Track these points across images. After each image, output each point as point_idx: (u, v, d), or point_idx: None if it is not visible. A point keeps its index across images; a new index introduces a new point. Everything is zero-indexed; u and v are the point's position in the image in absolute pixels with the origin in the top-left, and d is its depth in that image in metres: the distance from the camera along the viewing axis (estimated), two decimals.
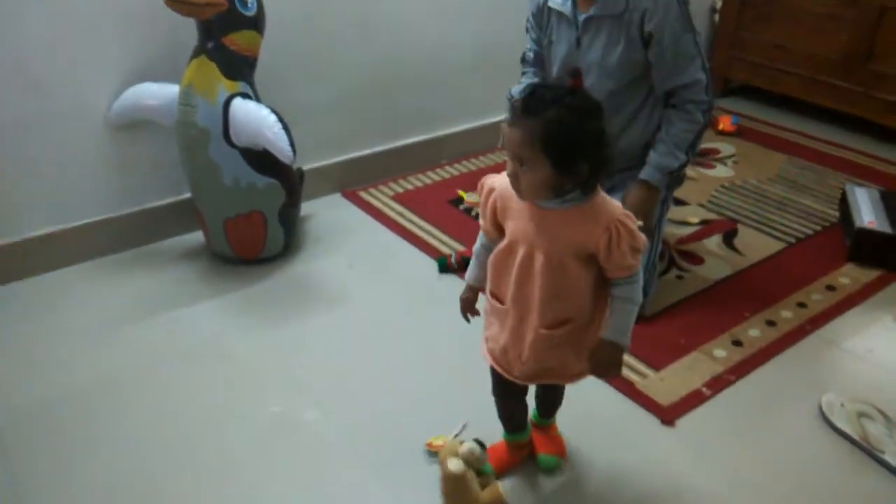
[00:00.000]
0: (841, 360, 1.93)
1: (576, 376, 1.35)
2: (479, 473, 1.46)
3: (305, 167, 2.50)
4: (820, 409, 1.73)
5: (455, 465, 1.38)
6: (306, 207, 2.50)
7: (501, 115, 3.02)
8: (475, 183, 2.71)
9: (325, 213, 2.58)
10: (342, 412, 1.73)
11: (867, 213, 2.35)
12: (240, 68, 2.03)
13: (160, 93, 2.10)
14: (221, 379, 1.83)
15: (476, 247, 1.38)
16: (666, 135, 1.89)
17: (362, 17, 2.53)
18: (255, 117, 1.97)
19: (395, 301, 2.14)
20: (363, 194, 2.70)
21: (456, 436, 1.60)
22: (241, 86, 2.02)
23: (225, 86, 1.99)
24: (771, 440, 1.66)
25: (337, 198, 2.69)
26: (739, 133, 3.24)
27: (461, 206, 2.63)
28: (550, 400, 1.54)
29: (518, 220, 1.21)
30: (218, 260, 2.28)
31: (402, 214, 2.57)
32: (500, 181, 1.23)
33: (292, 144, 1.94)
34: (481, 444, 1.46)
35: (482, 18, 2.82)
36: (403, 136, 2.84)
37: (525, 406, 1.51)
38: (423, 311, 2.10)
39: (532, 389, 1.51)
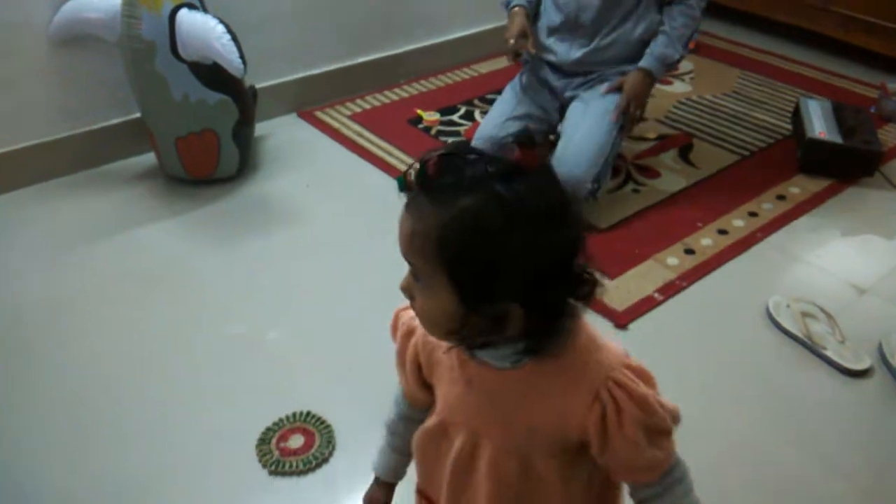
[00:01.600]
0: (788, 265, 1.99)
1: None
2: None
3: (258, 85, 2.44)
4: (767, 310, 1.79)
5: None
6: (261, 128, 2.45)
7: (464, 31, 3.03)
8: (435, 102, 2.73)
9: (280, 133, 2.53)
10: (302, 328, 1.74)
11: (819, 124, 2.39)
12: None
13: (102, 5, 2.01)
14: (181, 297, 1.82)
15: (388, 417, 0.93)
16: (669, 27, 1.99)
17: None
18: (202, 29, 1.90)
19: (354, 219, 2.14)
20: (319, 114, 2.65)
21: None
22: None
23: None
24: (719, 340, 1.72)
25: (292, 118, 2.64)
26: (697, 50, 3.24)
27: (420, 126, 2.60)
28: None
29: (452, 385, 0.76)
30: (172, 181, 2.23)
31: (360, 134, 2.54)
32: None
33: (242, 57, 1.89)
34: None
35: None
36: (360, 53, 2.77)
37: None
38: (382, 228, 2.09)
39: None
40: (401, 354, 0.84)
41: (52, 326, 1.72)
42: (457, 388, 0.75)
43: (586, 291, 0.68)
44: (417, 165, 0.66)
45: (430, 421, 0.79)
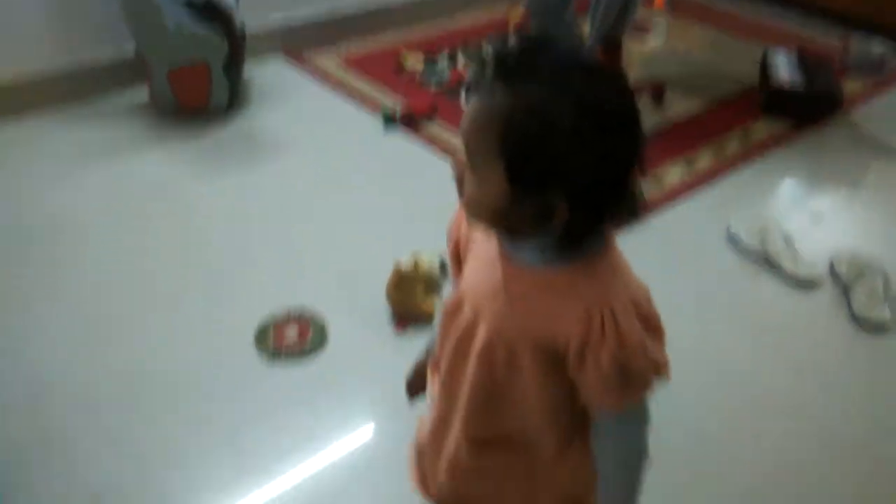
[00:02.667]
0: (750, 196, 2.13)
1: None
2: (430, 290, 1.60)
3: (247, 26, 2.51)
4: (728, 231, 1.92)
5: (406, 264, 1.53)
6: (250, 69, 2.51)
7: None
8: (419, 48, 2.82)
9: (268, 73, 2.61)
10: (290, 239, 1.84)
11: (784, 71, 2.52)
12: None
13: None
14: (177, 214, 1.91)
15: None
16: None
17: None
18: None
19: (339, 149, 2.23)
20: (307, 57, 2.73)
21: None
22: None
23: None
24: (684, 262, 1.85)
25: (280, 60, 2.71)
26: (671, 7, 3.35)
27: (405, 70, 2.69)
28: None
29: (475, 267, 0.78)
30: (164, 114, 2.30)
31: (347, 76, 2.62)
32: None
33: None
34: (444, 269, 1.60)
35: None
36: (346, 0, 2.85)
37: None
38: (365, 157, 2.20)
39: None
40: (449, 238, 0.84)
41: (59, 238, 1.80)
42: (478, 271, 0.76)
43: (634, 207, 0.68)
44: (493, 53, 0.66)
45: (451, 296, 0.79)
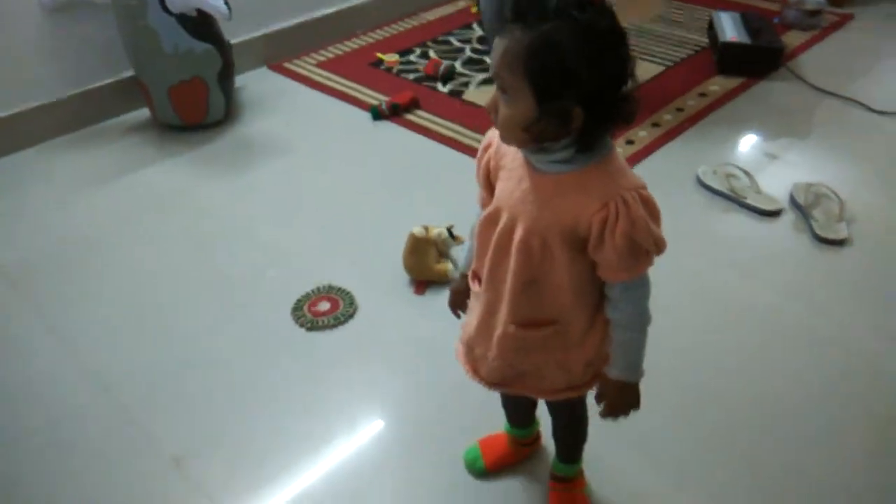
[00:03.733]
0: (712, 144, 2.34)
1: (560, 392, 1.06)
2: (441, 255, 1.79)
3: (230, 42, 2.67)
4: (697, 177, 2.14)
5: (419, 230, 1.72)
6: (237, 81, 2.68)
7: None
8: (391, 47, 3.01)
9: (255, 84, 2.77)
10: (306, 229, 2.02)
11: (730, 30, 2.75)
12: None
13: None
14: (195, 220, 2.07)
15: (472, 224, 1.07)
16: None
17: None
18: None
19: (334, 146, 2.41)
20: (288, 65, 2.90)
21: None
22: None
23: None
24: (660, 203, 2.05)
25: (264, 71, 2.88)
26: None
27: (382, 67, 2.88)
28: (560, 427, 1.24)
29: (507, 182, 0.95)
30: (166, 129, 2.46)
31: (328, 78, 2.80)
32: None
33: (227, 3, 2.13)
34: (452, 235, 1.78)
35: None
36: (320, 7, 3.02)
37: (529, 400, 1.25)
38: (360, 149, 2.38)
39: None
40: (478, 164, 1.01)
41: (84, 257, 1.96)
42: (511, 184, 0.93)
43: (632, 109, 0.85)
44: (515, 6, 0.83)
45: (489, 209, 0.96)
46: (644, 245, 0.87)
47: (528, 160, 0.91)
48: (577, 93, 0.81)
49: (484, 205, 1.01)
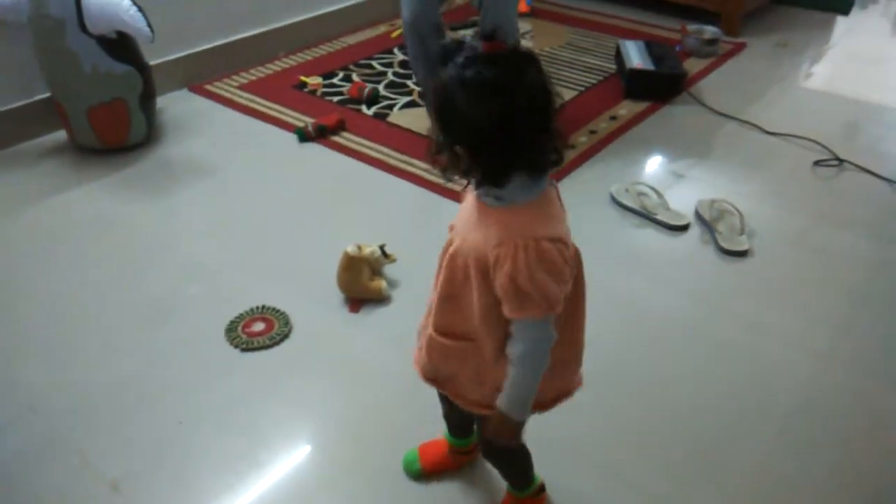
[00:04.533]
0: (623, 164, 2.49)
1: (475, 405, 1.12)
2: (375, 273, 1.84)
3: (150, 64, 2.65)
4: (610, 195, 2.28)
5: (352, 249, 1.76)
6: (158, 103, 2.65)
7: (332, 6, 3.34)
8: (314, 70, 3.04)
9: (177, 106, 2.75)
10: (236, 249, 2.03)
11: (636, 58, 2.94)
12: None
13: None
14: (121, 244, 2.04)
15: None
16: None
17: None
18: (109, 4, 2.12)
19: (259, 167, 2.42)
20: (209, 87, 2.89)
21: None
22: None
23: None
24: (576, 224, 2.14)
25: (185, 93, 2.86)
26: (533, 13, 3.75)
27: (305, 89, 2.91)
28: (490, 456, 1.30)
29: (464, 203, 1.05)
30: (84, 153, 2.41)
31: (251, 100, 2.81)
32: None
33: (149, 25, 2.12)
34: (384, 253, 1.83)
35: None
36: (240, 30, 3.03)
37: (468, 412, 1.20)
38: (286, 169, 2.41)
39: None
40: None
41: (5, 279, 1.90)
42: (464, 205, 1.04)
43: (547, 159, 0.93)
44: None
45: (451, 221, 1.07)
46: (525, 290, 0.93)
47: (476, 190, 1.00)
48: (459, 134, 0.91)
49: None
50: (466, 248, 0.98)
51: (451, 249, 1.01)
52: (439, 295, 1.04)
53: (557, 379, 1.10)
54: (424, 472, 1.41)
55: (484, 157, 0.91)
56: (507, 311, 0.97)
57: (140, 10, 2.12)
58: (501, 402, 1.05)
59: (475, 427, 1.30)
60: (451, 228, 1.05)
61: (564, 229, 0.98)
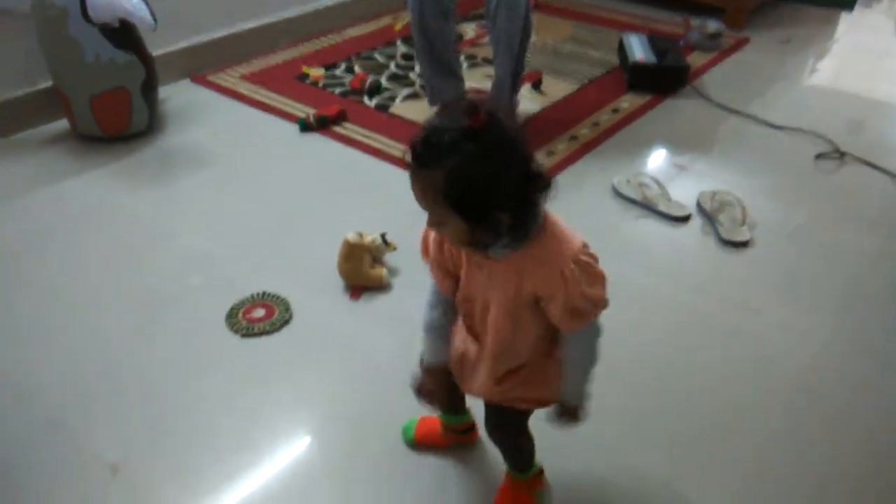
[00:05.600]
0: (625, 155, 2.49)
1: (535, 402, 1.18)
2: (376, 261, 1.84)
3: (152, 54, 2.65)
4: (612, 186, 2.27)
5: (353, 236, 1.76)
6: (160, 93, 2.65)
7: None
8: (316, 61, 3.04)
9: (179, 96, 2.75)
10: (237, 237, 2.03)
11: (639, 51, 2.93)
12: None
13: None
14: (122, 231, 2.04)
15: (426, 322, 1.15)
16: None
17: None
18: None
19: (265, 157, 2.42)
20: (212, 77, 2.89)
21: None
22: None
23: None
24: (580, 216, 2.13)
25: (187, 83, 2.86)
26: (538, 7, 3.74)
27: (307, 81, 2.91)
28: (499, 444, 1.31)
29: (469, 270, 1.06)
30: (86, 140, 2.41)
31: (254, 91, 2.81)
32: None
33: (152, 14, 2.12)
34: (385, 241, 1.83)
35: None
36: (242, 21, 3.03)
37: (454, 393, 1.29)
38: (291, 163, 2.41)
39: None
40: (435, 258, 1.10)
41: (6, 266, 1.90)
42: (472, 271, 1.05)
43: (544, 186, 0.94)
44: (408, 150, 0.92)
45: (459, 297, 1.10)
46: (580, 308, 0.99)
47: (481, 252, 1.01)
48: (498, 204, 0.91)
49: (445, 289, 1.12)
50: (510, 302, 1.02)
51: (494, 312, 1.04)
52: (495, 351, 1.08)
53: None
54: (416, 441, 1.44)
55: (522, 209, 0.94)
56: (565, 328, 1.03)
57: None
58: (568, 396, 1.13)
59: (484, 414, 1.28)
60: (467, 300, 1.08)
61: (571, 231, 1.02)
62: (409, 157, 0.92)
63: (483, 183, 0.89)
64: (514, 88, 2.49)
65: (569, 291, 0.97)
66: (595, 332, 1.07)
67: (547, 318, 1.03)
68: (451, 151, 0.89)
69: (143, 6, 2.11)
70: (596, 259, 1.01)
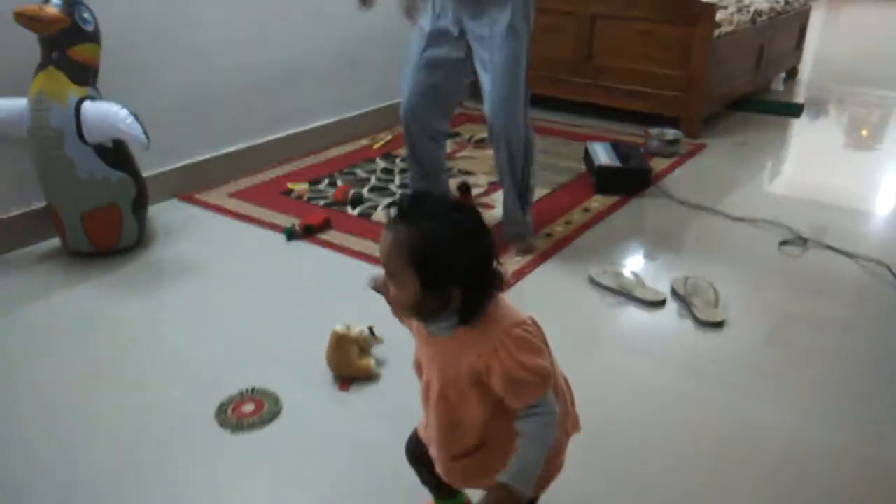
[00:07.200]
0: (597, 250, 2.60)
1: None
2: (363, 352, 1.88)
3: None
4: (589, 277, 2.36)
5: (341, 327, 1.81)
6: (149, 211, 2.75)
7: (320, 121, 3.55)
8: (300, 178, 3.19)
9: (167, 213, 2.85)
10: (225, 341, 2.06)
11: (603, 156, 3.13)
12: (85, 76, 2.31)
13: (7, 105, 2.31)
14: (109, 347, 2.05)
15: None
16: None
17: (178, 37, 2.89)
18: (107, 114, 2.26)
19: (252, 265, 2.49)
20: (199, 196, 3.01)
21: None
22: (88, 90, 2.31)
23: (74, 91, 2.27)
24: (559, 306, 2.24)
25: (174, 202, 2.97)
26: None
27: (292, 195, 3.04)
28: None
29: (419, 341, 1.12)
30: (77, 256, 2.48)
31: (240, 206, 2.92)
32: None
33: (146, 132, 2.26)
34: (372, 333, 1.88)
35: (290, 39, 3.29)
36: (230, 144, 3.19)
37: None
38: (278, 269, 2.48)
39: None
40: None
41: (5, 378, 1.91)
42: (421, 343, 1.12)
43: (500, 281, 1.04)
44: (395, 204, 1.02)
45: (415, 357, 1.15)
46: (521, 379, 1.01)
47: (426, 327, 1.08)
48: (455, 280, 0.99)
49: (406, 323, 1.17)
50: (451, 378, 1.06)
51: (434, 388, 1.08)
52: (441, 428, 1.11)
53: (559, 455, 1.17)
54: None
55: (475, 291, 1.00)
56: (512, 403, 1.04)
57: (136, 118, 2.26)
58: (508, 476, 1.04)
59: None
60: (420, 368, 1.13)
61: (517, 311, 1.07)
62: (392, 212, 1.01)
63: (449, 253, 0.97)
64: (524, 208, 2.52)
65: (503, 361, 1.00)
66: (547, 410, 1.05)
67: (493, 400, 1.05)
68: (433, 215, 0.99)
69: (137, 125, 2.24)
70: (538, 333, 1.06)
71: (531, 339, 1.03)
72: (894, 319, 2.18)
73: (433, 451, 1.20)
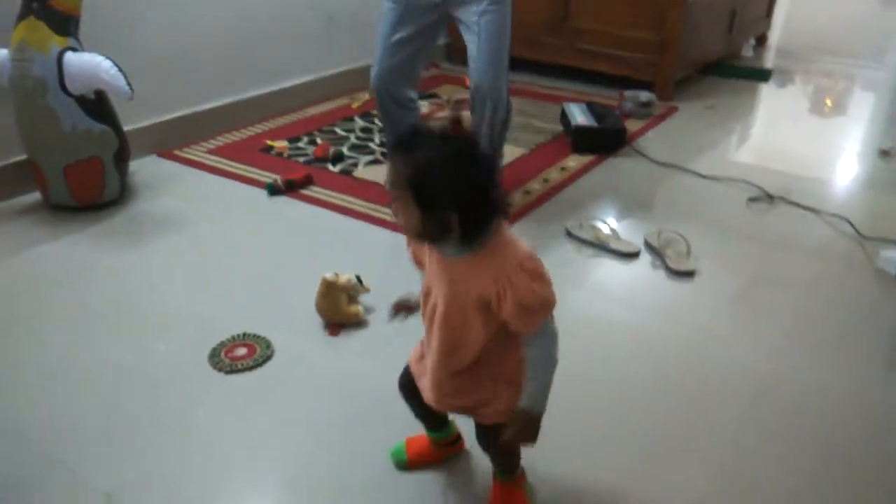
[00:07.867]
0: (574, 206, 2.67)
1: (501, 414, 1.22)
2: (351, 300, 1.94)
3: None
4: (566, 229, 2.44)
5: (330, 275, 1.86)
6: (129, 167, 2.75)
7: (298, 79, 3.55)
8: (279, 136, 3.20)
9: (148, 169, 2.85)
10: (217, 292, 2.10)
11: (580, 116, 3.19)
12: (66, 26, 2.30)
13: None
14: (97, 298, 2.08)
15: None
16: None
17: None
18: (89, 64, 2.25)
19: (236, 219, 2.52)
20: (178, 152, 3.01)
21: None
22: (70, 41, 2.30)
23: (56, 41, 2.25)
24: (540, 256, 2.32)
25: (154, 158, 2.97)
26: None
27: (272, 152, 3.05)
28: (493, 455, 1.37)
29: (430, 263, 1.18)
30: (59, 210, 2.48)
31: (220, 162, 2.93)
32: None
33: (128, 82, 2.26)
34: (360, 281, 1.94)
35: None
36: (210, 100, 3.18)
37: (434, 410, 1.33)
38: (262, 223, 2.51)
39: None
40: (413, 249, 1.24)
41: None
42: (431, 264, 1.17)
43: (502, 209, 1.09)
44: (395, 140, 1.09)
45: (423, 285, 1.21)
46: (531, 305, 1.09)
47: (438, 248, 1.14)
48: (451, 204, 1.04)
49: (417, 266, 1.26)
50: (459, 299, 1.12)
51: (440, 310, 1.15)
52: (442, 349, 1.18)
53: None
54: (411, 462, 1.48)
55: (474, 216, 1.06)
56: (520, 328, 1.12)
57: (119, 68, 2.25)
58: (526, 401, 1.16)
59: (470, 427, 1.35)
60: (427, 295, 1.19)
61: (525, 243, 1.14)
62: (391, 144, 1.08)
63: (440, 178, 1.03)
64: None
65: (518, 289, 1.07)
66: (551, 334, 1.16)
67: (496, 325, 1.13)
68: (426, 145, 1.06)
69: (120, 75, 2.24)
70: (541, 264, 1.12)
71: (542, 271, 1.12)
72: (853, 266, 2.30)
73: (426, 381, 1.28)
